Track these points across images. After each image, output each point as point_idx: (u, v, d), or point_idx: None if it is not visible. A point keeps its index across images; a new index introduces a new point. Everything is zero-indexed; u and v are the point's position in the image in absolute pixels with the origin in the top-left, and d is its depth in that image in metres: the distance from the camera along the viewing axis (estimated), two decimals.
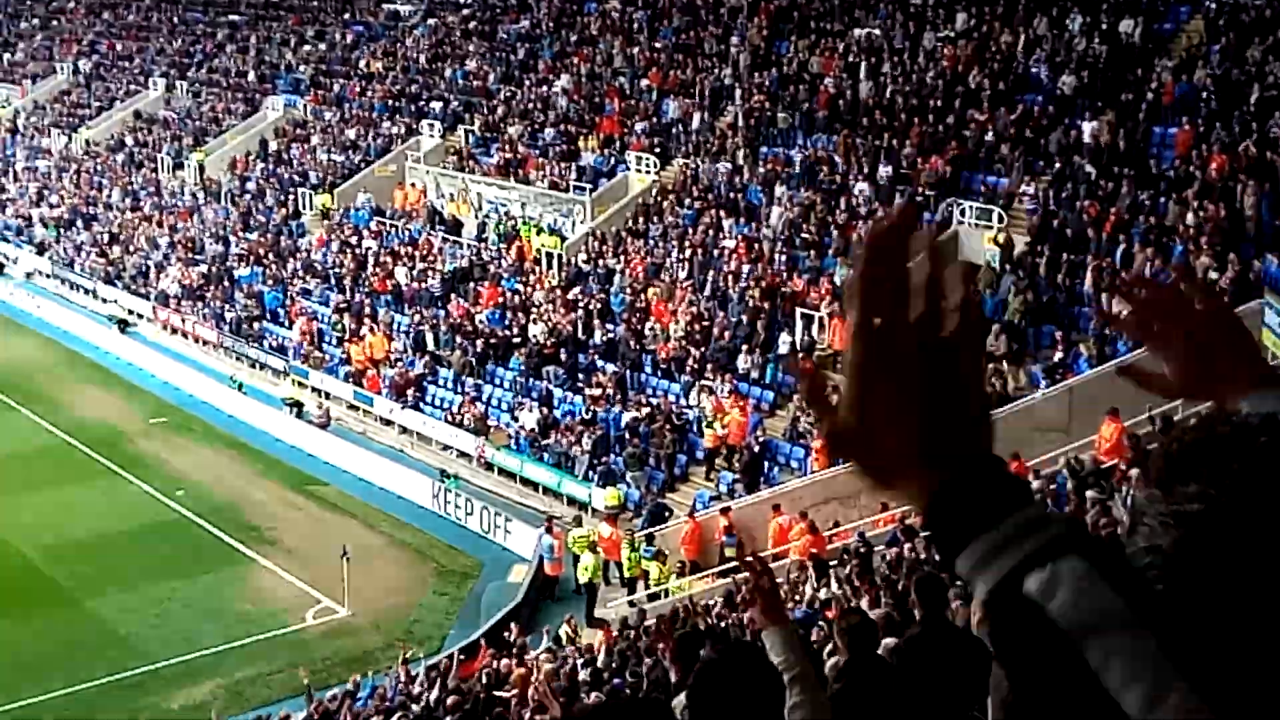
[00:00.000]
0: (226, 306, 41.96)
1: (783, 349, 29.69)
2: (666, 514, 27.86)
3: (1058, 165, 29.17)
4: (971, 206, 29.81)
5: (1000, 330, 26.59)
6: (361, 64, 51.04)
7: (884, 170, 31.92)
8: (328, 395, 36.86)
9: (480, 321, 35.49)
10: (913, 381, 1.28)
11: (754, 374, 29.70)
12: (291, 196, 46.04)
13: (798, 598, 20.20)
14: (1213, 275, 24.03)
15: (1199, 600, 1.27)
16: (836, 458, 1.35)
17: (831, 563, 22.77)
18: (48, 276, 50.35)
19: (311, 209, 45.30)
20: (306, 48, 54.51)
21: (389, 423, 35.07)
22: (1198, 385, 1.95)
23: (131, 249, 48.01)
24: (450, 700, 17.98)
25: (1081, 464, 21.24)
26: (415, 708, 19.26)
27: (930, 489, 1.29)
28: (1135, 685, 1.20)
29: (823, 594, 19.26)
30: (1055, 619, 1.22)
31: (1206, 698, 1.19)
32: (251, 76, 54.90)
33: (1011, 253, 28.11)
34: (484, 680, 19.81)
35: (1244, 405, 1.90)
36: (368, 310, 38.38)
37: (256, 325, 40.74)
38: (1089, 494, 19.72)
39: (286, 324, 40.12)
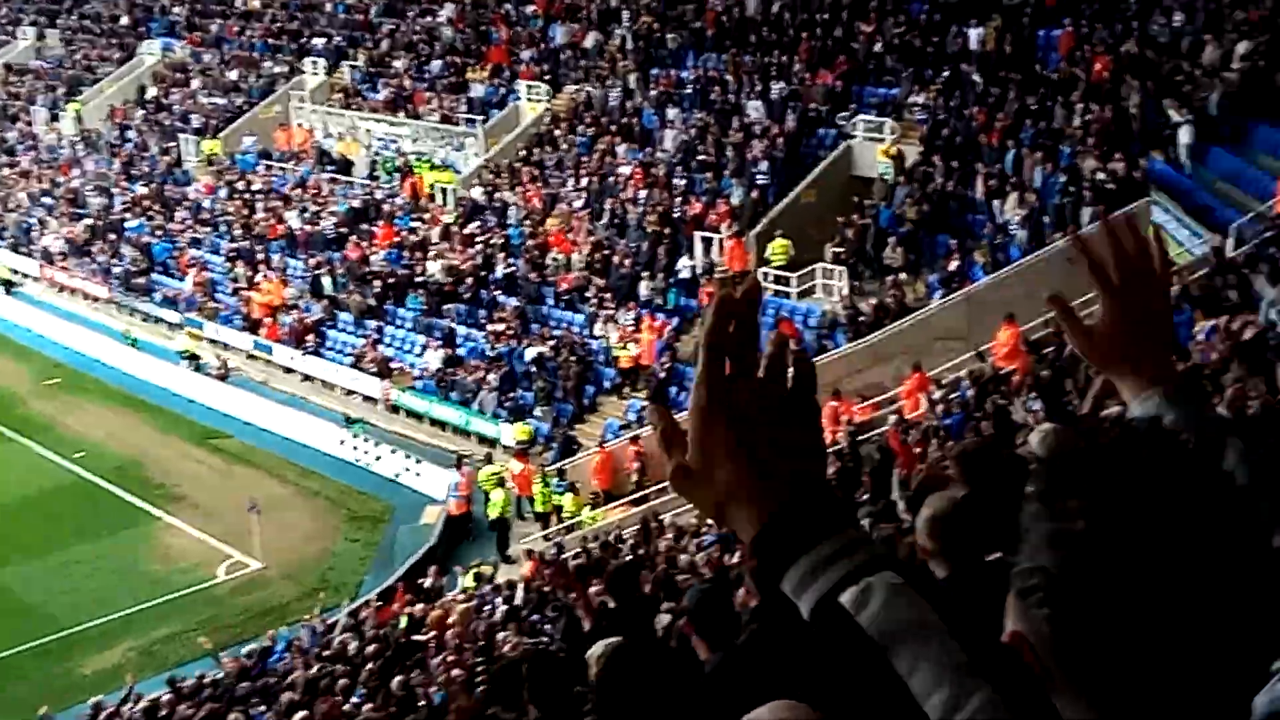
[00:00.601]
0: (114, 260, 40.88)
1: (684, 273, 29.64)
2: (576, 446, 27.82)
3: (946, 74, 29.23)
4: (863, 120, 29.82)
5: (897, 242, 26.74)
6: (239, 2, 49.59)
7: (776, 87, 31.77)
8: (225, 346, 36.18)
9: (378, 262, 34.95)
10: (748, 425, 1.38)
11: (657, 300, 29.63)
12: (175, 144, 44.84)
13: (710, 524, 20.30)
14: (1100, 175, 24.32)
15: (1083, 621, 1.25)
16: (678, 493, 1.44)
17: None
18: None
19: (196, 155, 44.16)
20: None
21: (290, 370, 34.53)
22: (1110, 355, 1.90)
23: (11, 206, 46.48)
24: (369, 649, 17.86)
25: (982, 372, 21.51)
26: (334, 655, 19.12)
27: (759, 521, 1.38)
28: (939, 690, 1.28)
29: None
30: (866, 628, 1.31)
31: (1011, 704, 1.25)
32: (125, 20, 53.11)
33: (904, 164, 28.21)
34: (402, 625, 19.74)
35: (1134, 404, 1.86)
36: (261, 257, 37.62)
37: (146, 278, 39.77)
38: (993, 398, 20.03)
39: (178, 275, 39.20)
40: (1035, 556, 1.28)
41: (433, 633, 19.12)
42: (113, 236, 41.70)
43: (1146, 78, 25.50)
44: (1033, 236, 24.80)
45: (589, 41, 37.41)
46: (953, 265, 25.52)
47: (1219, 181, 23.33)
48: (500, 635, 16.37)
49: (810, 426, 1.42)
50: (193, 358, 35.76)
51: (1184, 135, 23.74)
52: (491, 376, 29.72)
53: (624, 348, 28.65)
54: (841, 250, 27.68)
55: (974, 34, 29.48)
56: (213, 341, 36.47)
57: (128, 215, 42.32)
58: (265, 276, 36.52)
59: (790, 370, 1.41)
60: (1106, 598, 1.23)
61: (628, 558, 17.24)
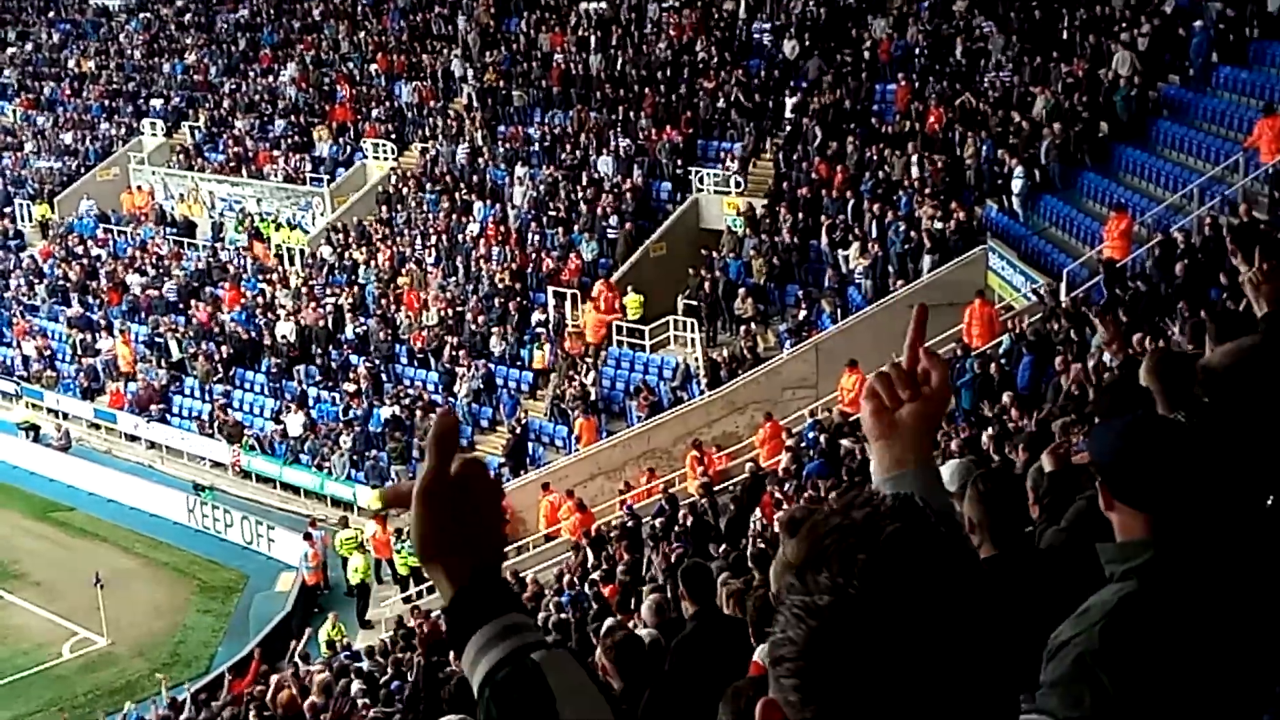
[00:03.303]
0: None
1: (537, 329, 29.68)
2: None
3: (787, 128, 29.89)
4: (710, 173, 30.32)
5: (747, 294, 27.18)
6: (72, 64, 48.43)
7: (623, 143, 32.14)
8: (65, 416, 35.07)
9: (225, 324, 34.25)
10: (448, 511, 1.72)
11: (509, 355, 29.62)
12: (8, 208, 43.50)
13: (575, 580, 20.28)
14: (937, 225, 25.07)
15: (827, 691, 1.30)
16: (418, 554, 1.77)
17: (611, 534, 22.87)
18: None
19: (30, 220, 42.91)
20: (10, 50, 51.39)
21: (134, 439, 33.59)
22: (894, 433, 2.01)
23: None
24: None
25: (830, 419, 21.91)
26: None
27: (456, 583, 1.70)
28: None
29: (595, 575, 19.35)
30: (553, 690, 1.61)
31: None
32: None
33: (752, 216, 28.72)
34: (254, 697, 19.24)
35: (884, 478, 1.98)
36: (103, 323, 36.61)
37: None
38: (843, 443, 20.41)
39: (14, 344, 37.92)
40: (786, 628, 1.33)
41: (284, 706, 18.68)
42: None
43: (979, 129, 26.42)
44: (876, 285, 25.43)
45: (433, 101, 37.40)
46: (801, 315, 26.02)
47: (1051, 228, 24.26)
48: (361, 703, 16.09)
49: (490, 520, 1.75)
50: (32, 429, 34.58)
51: (1017, 184, 24.64)
52: (345, 438, 29.32)
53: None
54: (693, 302, 28.02)
55: (789, 102, 30.09)
56: (52, 411, 35.34)
57: None
58: (120, 338, 35.38)
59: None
60: (850, 668, 1.29)
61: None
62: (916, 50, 29.63)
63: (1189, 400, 3.72)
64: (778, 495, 19.47)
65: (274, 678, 19.26)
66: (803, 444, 21.41)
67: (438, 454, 1.73)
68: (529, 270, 31.03)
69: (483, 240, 32.35)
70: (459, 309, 31.08)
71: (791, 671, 1.32)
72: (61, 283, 39.01)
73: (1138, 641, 2.37)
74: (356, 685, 15.70)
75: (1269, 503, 3.28)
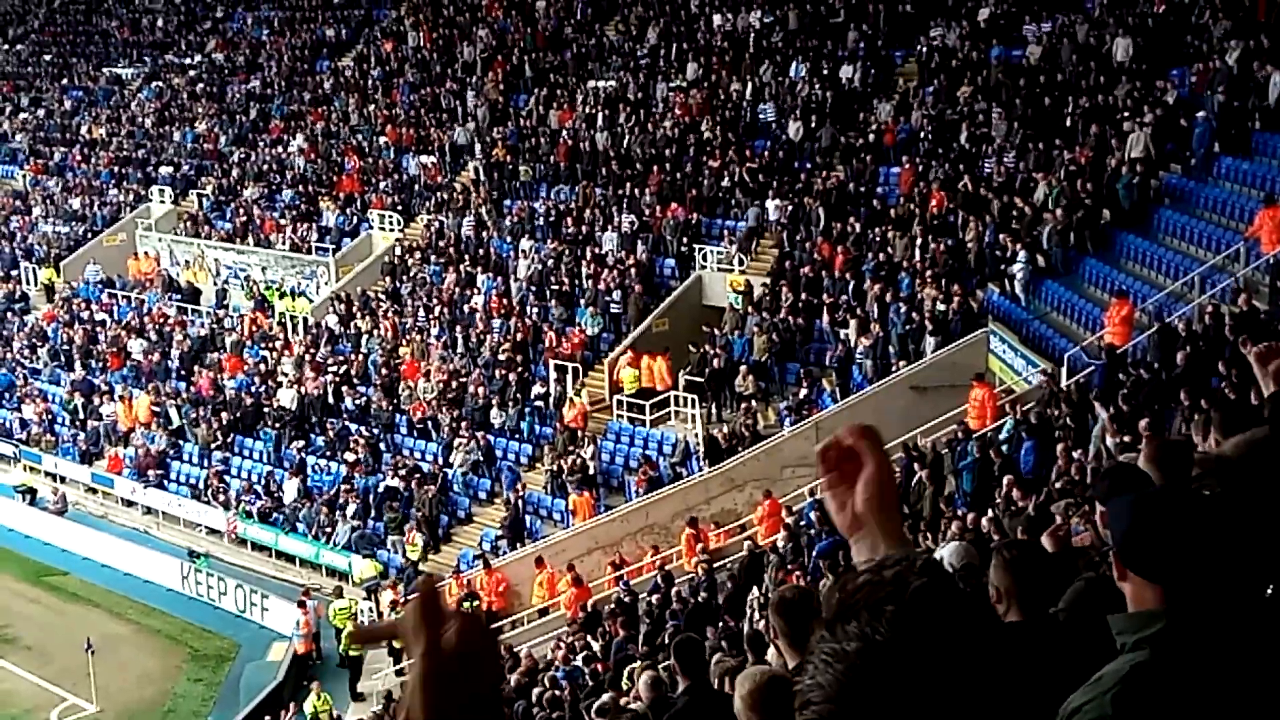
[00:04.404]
0: None
1: (537, 402, 29.70)
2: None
3: (790, 208, 30.10)
4: (713, 251, 30.50)
5: (748, 371, 27.22)
6: (83, 130, 48.92)
7: (626, 219, 32.36)
8: (63, 479, 34.98)
9: (226, 390, 34.28)
10: (449, 694, 1.58)
11: (508, 427, 29.62)
12: (14, 272, 43.72)
13: (570, 657, 20.13)
14: (940, 306, 25.17)
15: None
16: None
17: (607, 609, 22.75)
18: None
19: (35, 284, 43.11)
20: (23, 115, 51.96)
21: (131, 504, 33.47)
22: (863, 525, 2.00)
23: None
24: None
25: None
26: None
27: None
28: None
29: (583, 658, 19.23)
30: None
31: None
32: None
33: (753, 294, 28.84)
34: None
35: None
36: (104, 388, 36.64)
37: None
38: None
39: (14, 406, 37.92)
40: (814, 674, 1.39)
41: None
42: None
43: (981, 213, 26.59)
44: (877, 365, 25.47)
45: (440, 174, 37.73)
46: (802, 393, 26.03)
47: (1052, 312, 24.35)
48: None
49: (491, 685, 1.63)
50: (29, 491, 34.48)
51: (1019, 268, 24.75)
52: (346, 507, 29.23)
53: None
54: (695, 378, 28.04)
55: (771, 205, 30.30)
56: (50, 474, 35.26)
57: None
58: (123, 397, 35.38)
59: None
60: (875, 712, 1.35)
61: None
62: (921, 134, 29.94)
63: (1189, 486, 3.74)
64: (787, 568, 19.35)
65: None
66: (801, 522, 21.32)
67: (428, 629, 1.58)
68: (530, 343, 31.13)
69: (482, 313, 32.46)
70: (461, 380, 31.12)
71: (818, 715, 1.38)
72: (64, 347, 39.12)
73: (1150, 709, 2.37)
74: None
75: (1269, 592, 3.28)
